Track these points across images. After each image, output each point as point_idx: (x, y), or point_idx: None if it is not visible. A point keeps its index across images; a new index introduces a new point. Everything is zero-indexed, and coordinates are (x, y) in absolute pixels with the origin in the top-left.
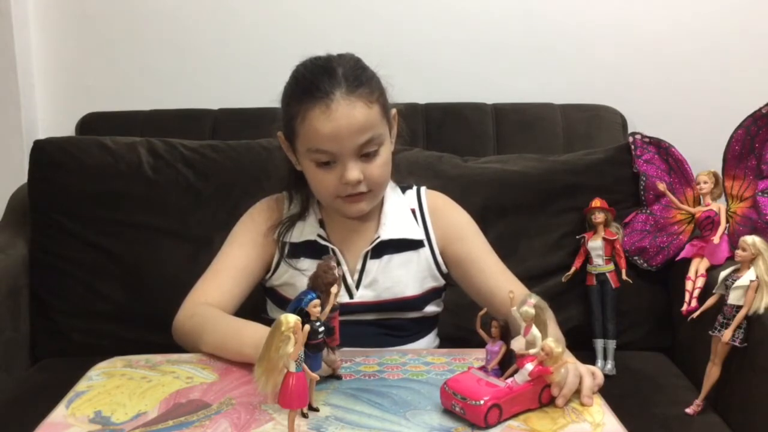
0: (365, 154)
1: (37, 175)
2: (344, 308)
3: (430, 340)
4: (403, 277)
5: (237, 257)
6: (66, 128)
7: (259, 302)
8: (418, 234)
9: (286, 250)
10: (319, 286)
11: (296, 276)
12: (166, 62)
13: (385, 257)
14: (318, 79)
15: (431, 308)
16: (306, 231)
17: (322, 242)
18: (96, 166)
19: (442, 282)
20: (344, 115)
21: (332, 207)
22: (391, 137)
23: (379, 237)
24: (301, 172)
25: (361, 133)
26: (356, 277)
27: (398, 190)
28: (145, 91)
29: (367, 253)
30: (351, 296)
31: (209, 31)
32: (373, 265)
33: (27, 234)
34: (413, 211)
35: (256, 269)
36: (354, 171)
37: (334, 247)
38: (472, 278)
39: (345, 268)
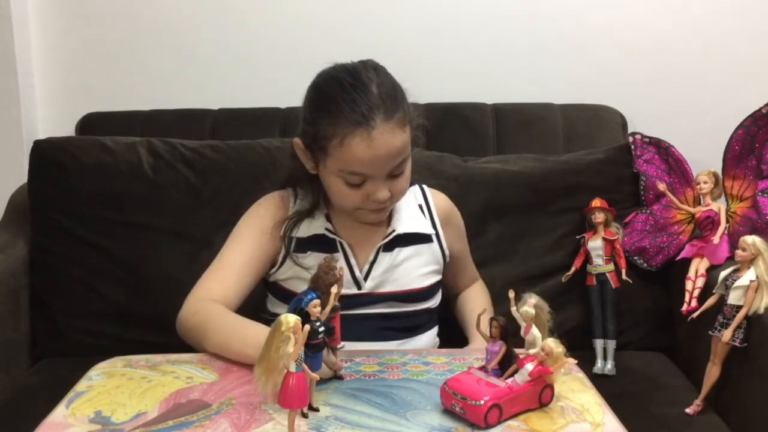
0: (394, 173)
1: (37, 175)
2: (351, 300)
3: (431, 336)
4: (412, 270)
5: (240, 252)
6: (66, 128)
7: (260, 301)
8: (427, 228)
9: (292, 245)
10: (320, 287)
11: (302, 271)
12: (166, 62)
13: (396, 250)
14: (353, 99)
15: (434, 301)
16: (313, 225)
17: (331, 236)
18: (96, 166)
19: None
20: (385, 143)
21: (351, 216)
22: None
23: (394, 231)
24: (312, 174)
25: (396, 158)
26: (366, 268)
27: None
28: (145, 91)
29: (380, 246)
30: (359, 287)
31: (209, 31)
32: (384, 257)
33: (27, 234)
34: (420, 207)
35: (260, 264)
36: (384, 191)
37: (343, 240)
38: (452, 272)
39: (353, 261)
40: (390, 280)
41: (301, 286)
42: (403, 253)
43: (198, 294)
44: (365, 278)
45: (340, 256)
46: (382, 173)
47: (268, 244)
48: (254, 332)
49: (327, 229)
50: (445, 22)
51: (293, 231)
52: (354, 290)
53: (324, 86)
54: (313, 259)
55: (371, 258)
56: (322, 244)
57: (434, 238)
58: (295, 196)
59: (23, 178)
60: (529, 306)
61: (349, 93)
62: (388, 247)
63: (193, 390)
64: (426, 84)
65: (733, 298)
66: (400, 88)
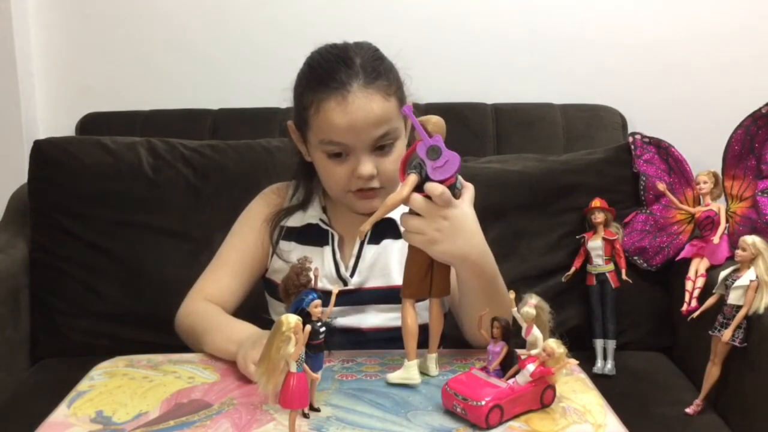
0: (380, 148)
1: (37, 175)
2: (339, 298)
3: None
4: (402, 264)
5: (235, 250)
6: (66, 128)
7: (259, 302)
8: None
9: (281, 235)
10: (290, 288)
11: (286, 265)
12: (166, 62)
13: (384, 242)
14: (334, 68)
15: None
16: (308, 215)
17: (324, 226)
18: (96, 166)
19: None
20: (361, 107)
21: (342, 201)
22: (406, 131)
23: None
24: (310, 163)
25: (377, 126)
26: (352, 263)
27: None
28: (145, 91)
29: (364, 234)
30: (345, 284)
31: (209, 31)
32: (369, 249)
33: (27, 234)
34: None
35: (255, 259)
36: (368, 165)
37: (335, 233)
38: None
39: (339, 256)
40: (378, 275)
41: None
42: (394, 245)
43: (194, 295)
44: (352, 274)
45: (327, 251)
46: (363, 143)
47: (259, 239)
48: (239, 329)
49: (321, 220)
50: (445, 23)
51: (284, 221)
52: (341, 286)
53: (310, 62)
54: (297, 253)
55: (356, 251)
56: (313, 235)
57: None
58: (295, 189)
59: (23, 178)
60: (530, 306)
61: (332, 65)
62: (375, 238)
63: (195, 390)
64: (426, 84)
65: (733, 298)
66: (387, 61)
